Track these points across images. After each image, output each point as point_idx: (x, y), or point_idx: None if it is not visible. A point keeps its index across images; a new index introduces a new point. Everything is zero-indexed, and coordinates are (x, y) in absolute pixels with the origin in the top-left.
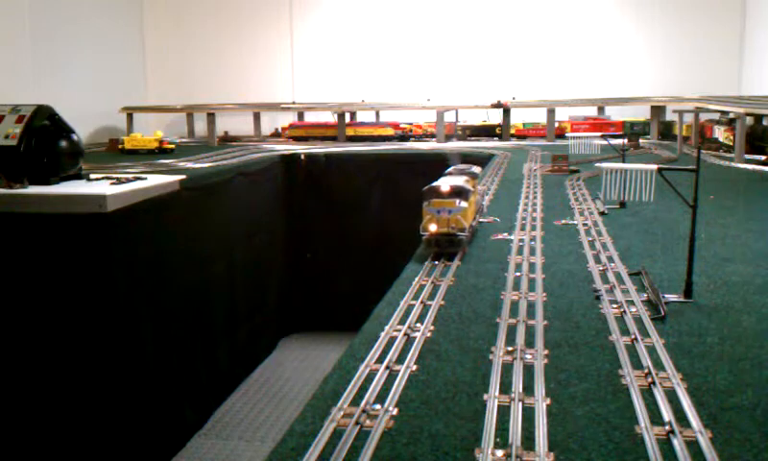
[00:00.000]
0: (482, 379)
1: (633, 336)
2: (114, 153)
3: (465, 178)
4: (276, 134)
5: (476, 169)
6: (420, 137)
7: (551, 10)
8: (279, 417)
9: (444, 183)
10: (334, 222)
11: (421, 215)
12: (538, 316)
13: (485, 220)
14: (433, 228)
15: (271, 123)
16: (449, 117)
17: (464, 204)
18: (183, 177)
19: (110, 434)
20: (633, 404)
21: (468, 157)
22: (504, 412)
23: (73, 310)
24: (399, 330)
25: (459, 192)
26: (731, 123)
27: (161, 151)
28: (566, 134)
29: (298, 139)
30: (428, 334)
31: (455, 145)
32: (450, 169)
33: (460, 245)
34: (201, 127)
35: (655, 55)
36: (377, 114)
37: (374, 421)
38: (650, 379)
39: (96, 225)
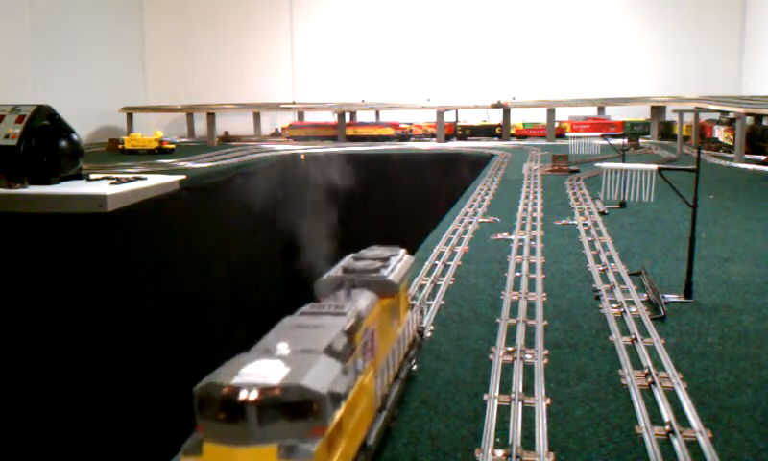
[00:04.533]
0: (482, 379)
1: (633, 336)
2: (114, 153)
3: (357, 309)
4: (276, 134)
5: (401, 261)
6: (420, 137)
7: (551, 10)
8: None
9: (256, 373)
10: (334, 222)
11: None
12: (538, 316)
13: (485, 220)
14: None
15: (271, 123)
16: (449, 117)
17: (310, 449)
18: (183, 177)
19: (110, 434)
20: (633, 404)
21: (468, 157)
22: (504, 412)
23: (73, 310)
24: None
25: (300, 407)
26: (731, 123)
27: (161, 151)
28: (566, 134)
29: (298, 139)
30: (428, 334)
31: (454, 145)
32: (344, 262)
33: None
34: (201, 127)
35: (655, 55)
36: (377, 114)
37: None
38: (650, 379)
39: (96, 225)
